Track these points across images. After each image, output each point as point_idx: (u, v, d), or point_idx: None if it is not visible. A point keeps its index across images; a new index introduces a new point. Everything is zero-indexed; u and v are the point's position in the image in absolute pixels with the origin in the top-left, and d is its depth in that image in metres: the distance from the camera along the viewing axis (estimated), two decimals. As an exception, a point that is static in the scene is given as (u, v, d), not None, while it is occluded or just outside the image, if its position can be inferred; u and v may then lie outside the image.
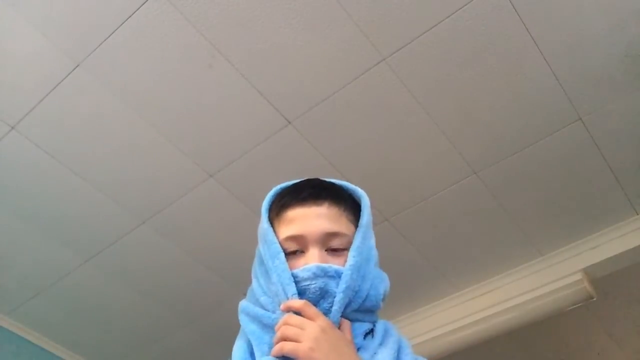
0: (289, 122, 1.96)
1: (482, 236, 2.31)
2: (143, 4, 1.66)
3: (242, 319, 0.88)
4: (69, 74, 1.82)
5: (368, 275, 0.86)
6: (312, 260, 0.83)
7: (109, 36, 1.73)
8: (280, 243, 0.86)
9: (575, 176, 2.10)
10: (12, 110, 1.92)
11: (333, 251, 0.86)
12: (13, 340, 2.64)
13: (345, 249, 0.86)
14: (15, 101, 1.90)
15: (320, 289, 0.81)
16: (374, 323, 0.87)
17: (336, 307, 0.80)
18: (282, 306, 0.81)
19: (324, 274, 0.82)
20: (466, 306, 2.48)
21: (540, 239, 2.32)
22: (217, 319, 2.61)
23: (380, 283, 0.89)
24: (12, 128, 1.96)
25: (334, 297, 0.81)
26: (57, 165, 2.07)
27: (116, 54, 1.78)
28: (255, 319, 0.85)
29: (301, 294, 0.81)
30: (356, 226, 0.90)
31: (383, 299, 0.90)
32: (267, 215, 0.91)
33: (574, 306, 2.33)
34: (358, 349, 0.81)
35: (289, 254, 0.86)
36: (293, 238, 0.86)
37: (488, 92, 1.87)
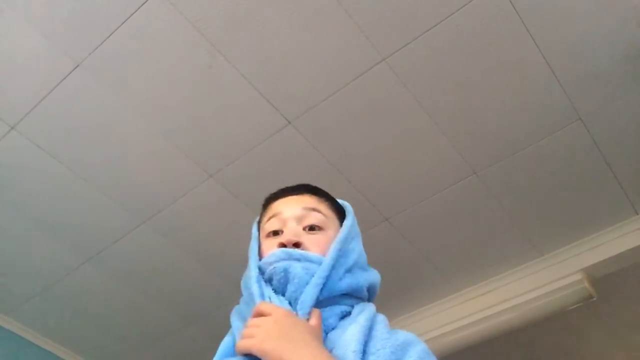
0: (289, 122, 1.96)
1: (482, 236, 2.31)
2: (143, 4, 1.66)
3: (232, 317, 0.92)
4: (69, 74, 1.82)
5: (342, 266, 0.87)
6: (287, 234, 0.89)
7: (109, 36, 1.73)
8: (264, 228, 0.94)
9: (575, 176, 2.10)
10: (12, 110, 1.92)
11: (310, 229, 0.90)
12: (13, 340, 2.64)
13: (323, 228, 0.91)
14: (15, 101, 1.90)
15: (285, 269, 0.84)
16: (352, 305, 0.88)
17: (307, 297, 0.82)
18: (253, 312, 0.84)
19: (289, 257, 0.85)
20: (466, 306, 2.48)
21: (540, 239, 2.32)
22: (217, 319, 2.61)
23: (361, 275, 0.91)
24: (12, 128, 1.96)
25: (299, 279, 0.83)
26: (57, 165, 2.07)
27: (116, 54, 1.78)
28: (240, 314, 0.90)
29: (269, 280, 0.86)
30: (339, 220, 0.95)
31: (368, 290, 0.92)
32: (257, 221, 1.00)
33: (574, 306, 2.33)
34: (333, 329, 0.84)
35: (270, 236, 0.92)
36: (273, 216, 0.94)
37: (488, 92, 1.87)
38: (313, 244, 0.88)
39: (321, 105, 1.91)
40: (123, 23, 1.71)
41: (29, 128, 1.96)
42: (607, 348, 3.01)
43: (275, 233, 0.92)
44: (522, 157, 2.04)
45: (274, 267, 0.85)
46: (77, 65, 1.81)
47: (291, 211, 0.92)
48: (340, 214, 0.98)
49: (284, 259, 0.85)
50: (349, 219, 0.95)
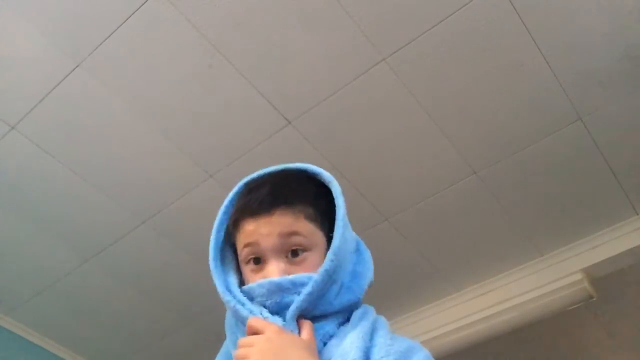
0: (289, 122, 1.96)
1: (482, 236, 2.31)
2: (143, 4, 1.66)
3: (225, 327, 0.91)
4: (69, 74, 1.82)
5: (336, 282, 0.83)
6: (271, 275, 0.82)
7: (109, 36, 1.73)
8: (241, 253, 0.90)
9: (575, 176, 2.10)
10: (12, 110, 1.92)
11: (295, 256, 0.84)
12: (13, 340, 2.64)
13: (307, 250, 0.84)
14: (15, 101, 1.90)
15: (277, 303, 0.80)
16: (351, 312, 0.86)
17: (292, 309, 0.80)
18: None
19: (279, 289, 0.81)
20: (466, 306, 2.48)
21: (540, 239, 2.32)
22: (217, 319, 2.60)
23: (358, 281, 0.87)
24: (12, 128, 1.96)
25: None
26: (57, 165, 2.07)
27: (116, 54, 1.78)
28: (230, 329, 0.89)
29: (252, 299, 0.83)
30: (319, 223, 0.87)
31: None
32: (225, 224, 0.98)
33: (574, 306, 2.33)
34: (331, 336, 0.82)
35: (251, 263, 0.87)
36: (248, 245, 0.87)
37: (488, 92, 1.87)
38: (301, 271, 0.83)
39: (321, 105, 1.90)
40: (123, 23, 1.71)
41: (29, 128, 1.96)
42: (607, 348, 3.01)
43: (257, 261, 0.86)
44: (522, 157, 2.04)
45: (265, 302, 0.81)
46: (77, 65, 1.81)
47: (268, 241, 0.84)
48: (323, 209, 0.89)
49: (274, 292, 0.81)
50: (340, 210, 0.86)
